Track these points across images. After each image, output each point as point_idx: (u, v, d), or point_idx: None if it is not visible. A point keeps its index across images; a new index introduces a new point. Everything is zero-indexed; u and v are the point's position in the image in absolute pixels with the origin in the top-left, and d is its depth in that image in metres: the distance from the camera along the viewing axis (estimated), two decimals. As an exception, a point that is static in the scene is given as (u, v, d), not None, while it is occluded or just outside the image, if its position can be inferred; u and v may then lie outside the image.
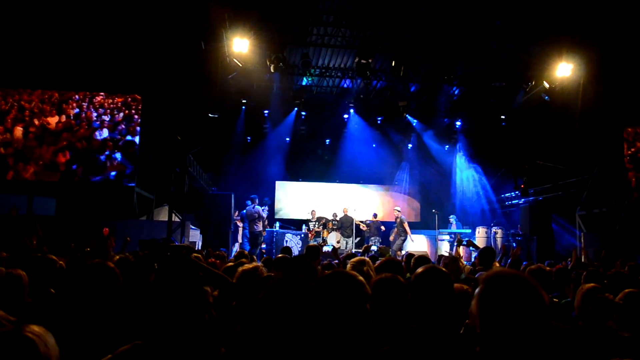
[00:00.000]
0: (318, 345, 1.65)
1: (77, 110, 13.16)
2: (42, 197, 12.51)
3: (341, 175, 17.46)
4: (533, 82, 12.97)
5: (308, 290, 1.74)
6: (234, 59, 11.54)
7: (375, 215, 14.52)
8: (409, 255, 5.34)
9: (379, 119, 16.23)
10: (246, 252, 6.68)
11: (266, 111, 15.73)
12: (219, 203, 12.75)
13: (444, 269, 2.19)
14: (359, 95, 15.39)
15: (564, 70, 11.74)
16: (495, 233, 13.83)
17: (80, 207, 12.75)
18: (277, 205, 16.98)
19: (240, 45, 11.01)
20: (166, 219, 11.61)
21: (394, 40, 12.07)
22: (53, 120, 12.96)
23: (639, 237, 11.39)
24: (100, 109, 13.25)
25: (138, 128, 13.21)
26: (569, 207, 13.26)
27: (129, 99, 13.40)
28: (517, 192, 15.05)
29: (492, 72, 13.07)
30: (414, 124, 16.52)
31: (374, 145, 17.21)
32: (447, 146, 17.34)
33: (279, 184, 17.28)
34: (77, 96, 13.23)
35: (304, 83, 15.12)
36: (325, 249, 10.41)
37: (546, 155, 13.57)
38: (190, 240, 11.85)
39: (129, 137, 13.15)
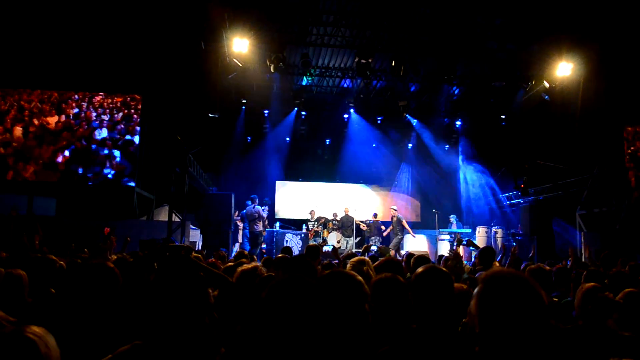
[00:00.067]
0: (318, 344, 1.65)
1: (76, 110, 13.16)
2: (42, 197, 12.51)
3: (341, 175, 17.46)
4: (533, 82, 12.97)
5: (309, 290, 1.74)
6: (234, 59, 11.54)
7: (375, 215, 14.53)
8: (409, 255, 5.34)
9: (379, 118, 16.22)
10: (246, 252, 6.68)
11: (266, 111, 15.73)
12: (219, 203, 12.74)
13: (444, 269, 2.19)
14: (359, 95, 15.39)
15: (564, 69, 11.74)
16: (496, 233, 13.84)
17: (80, 207, 12.76)
18: (277, 205, 16.97)
19: (240, 45, 11.00)
20: (166, 219, 11.61)
21: (394, 40, 12.07)
22: (52, 120, 12.97)
23: (639, 237, 11.39)
24: (99, 109, 13.26)
25: (137, 128, 13.21)
26: (569, 206, 13.25)
27: (128, 98, 13.40)
28: (517, 192, 15.04)
29: (492, 71, 13.07)
30: (414, 124, 16.51)
31: (374, 145, 17.21)
32: (447, 146, 17.35)
33: (279, 184, 17.27)
34: (76, 96, 13.23)
35: (303, 83, 15.12)
36: (325, 249, 10.41)
37: (546, 155, 13.56)
38: (190, 240, 11.85)
39: (128, 137, 13.15)
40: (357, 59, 12.02)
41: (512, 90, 13.84)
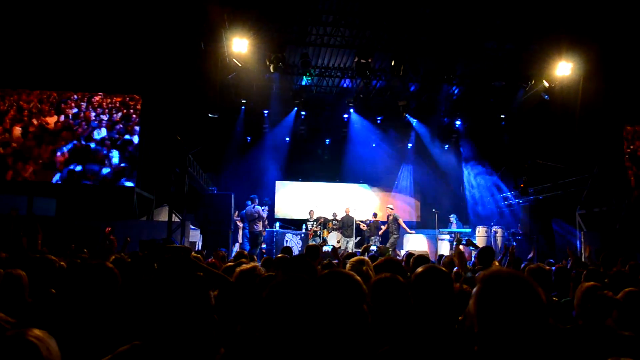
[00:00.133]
0: (318, 344, 1.65)
1: (75, 110, 13.17)
2: (42, 198, 12.52)
3: (341, 175, 17.46)
4: (533, 81, 12.97)
5: (309, 291, 1.74)
6: (234, 59, 11.53)
7: (375, 215, 14.52)
8: (409, 255, 5.34)
9: (379, 118, 16.21)
10: (246, 252, 6.68)
11: (266, 111, 15.72)
12: (219, 203, 12.75)
13: (444, 269, 2.19)
14: (359, 95, 15.38)
15: (564, 69, 11.74)
16: (496, 232, 13.83)
17: (80, 208, 12.76)
18: (277, 205, 16.97)
19: (240, 45, 11.00)
20: (166, 219, 11.61)
21: (393, 39, 12.06)
22: (52, 120, 12.97)
23: (639, 236, 11.39)
24: (98, 109, 13.26)
25: (136, 127, 13.21)
26: (569, 206, 13.25)
27: (127, 98, 13.41)
28: (517, 192, 15.04)
29: (492, 71, 13.07)
30: (414, 124, 16.51)
31: (373, 145, 17.22)
32: (447, 146, 17.34)
33: (279, 184, 17.28)
34: (75, 96, 13.24)
35: (303, 83, 15.12)
36: (325, 248, 10.41)
37: (546, 154, 13.57)
38: (190, 240, 11.85)
39: (127, 136, 13.16)
40: (356, 59, 12.01)
41: (512, 90, 13.84)
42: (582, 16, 10.44)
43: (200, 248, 11.39)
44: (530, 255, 8.55)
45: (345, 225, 13.84)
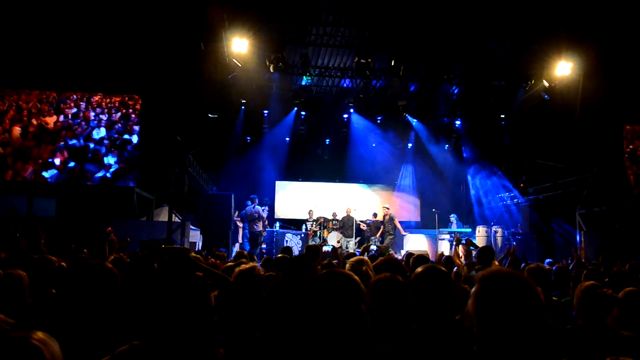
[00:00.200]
0: (318, 344, 1.65)
1: (74, 110, 13.17)
2: (42, 198, 12.52)
3: (341, 175, 17.46)
4: (532, 81, 12.97)
5: (309, 291, 1.74)
6: (234, 59, 11.53)
7: (375, 215, 14.51)
8: (409, 255, 5.34)
9: (379, 118, 16.22)
10: (246, 252, 6.68)
11: (266, 111, 15.72)
12: (219, 203, 12.75)
13: (443, 269, 2.19)
14: (359, 95, 15.39)
15: (564, 68, 11.75)
16: (496, 232, 13.83)
17: (80, 208, 12.76)
18: (277, 205, 16.97)
19: (240, 46, 11.00)
20: (166, 219, 11.61)
21: (393, 39, 12.06)
22: (51, 120, 12.97)
23: (639, 235, 11.39)
24: (97, 109, 13.26)
25: (135, 127, 13.21)
26: (569, 205, 13.26)
27: (127, 98, 13.40)
28: (517, 191, 15.04)
29: (492, 71, 13.07)
30: (414, 124, 16.51)
31: (373, 145, 17.21)
32: (447, 145, 17.34)
33: (279, 184, 17.27)
34: (74, 96, 13.24)
35: (303, 83, 15.12)
36: (325, 249, 10.40)
37: (546, 154, 13.57)
38: (190, 240, 11.85)
39: (126, 136, 13.16)
40: (356, 59, 12.02)
41: (512, 90, 13.84)
42: (582, 16, 10.44)
43: (200, 248, 11.39)
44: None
45: (345, 226, 13.83)
